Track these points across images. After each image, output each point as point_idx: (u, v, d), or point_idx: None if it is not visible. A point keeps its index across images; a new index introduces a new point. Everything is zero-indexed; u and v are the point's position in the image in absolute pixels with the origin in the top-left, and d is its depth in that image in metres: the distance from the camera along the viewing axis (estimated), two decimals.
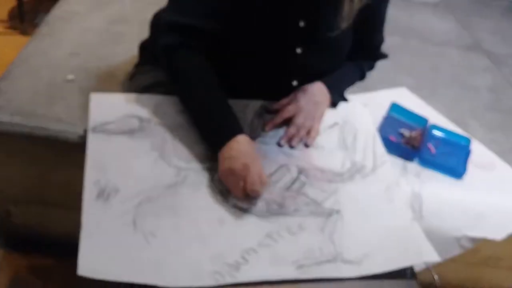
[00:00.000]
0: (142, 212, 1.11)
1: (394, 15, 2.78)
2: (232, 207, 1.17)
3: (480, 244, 1.36)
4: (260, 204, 1.19)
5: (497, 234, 1.41)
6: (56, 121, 1.47)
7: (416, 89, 1.84)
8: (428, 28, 2.68)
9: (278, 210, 1.20)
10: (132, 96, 1.33)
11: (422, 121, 1.59)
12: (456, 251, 1.36)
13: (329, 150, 1.37)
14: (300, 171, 1.29)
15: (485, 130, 1.85)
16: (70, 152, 1.46)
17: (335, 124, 1.44)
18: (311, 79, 1.41)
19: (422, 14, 2.84)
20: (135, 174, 1.18)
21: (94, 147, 1.20)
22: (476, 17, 2.96)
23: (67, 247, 1.62)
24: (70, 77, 1.63)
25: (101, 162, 1.17)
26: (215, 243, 1.10)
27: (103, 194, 1.11)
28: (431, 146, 1.50)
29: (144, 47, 1.54)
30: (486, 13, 3.07)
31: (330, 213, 1.22)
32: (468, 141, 1.57)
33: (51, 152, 1.48)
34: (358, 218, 1.24)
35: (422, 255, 1.20)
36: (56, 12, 1.99)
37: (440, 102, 1.91)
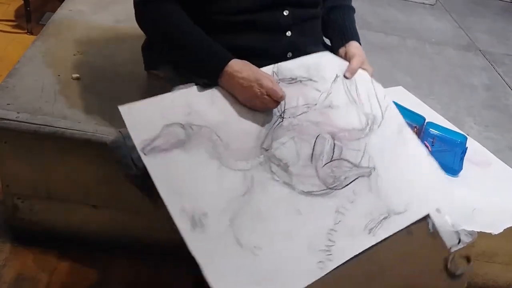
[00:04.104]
0: (238, 228, 1.14)
1: (392, 16, 2.83)
2: (299, 194, 1.21)
3: (475, 239, 1.39)
4: (318, 183, 1.24)
5: (494, 228, 1.44)
6: (61, 119, 1.50)
7: (413, 88, 1.87)
8: (425, 28, 2.70)
9: (334, 183, 1.25)
10: (159, 99, 1.23)
11: (419, 119, 1.60)
12: (456, 245, 1.39)
13: (344, 108, 1.38)
14: (333, 136, 1.32)
15: (481, 128, 1.88)
16: (75, 149, 1.50)
17: (337, 77, 1.42)
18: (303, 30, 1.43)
19: (419, 14, 2.86)
20: (210, 190, 1.17)
21: (157, 172, 1.13)
22: (472, 17, 2.99)
23: (73, 241, 1.67)
24: (76, 75, 1.66)
25: (172, 186, 1.14)
26: (304, 235, 1.16)
27: (195, 223, 1.11)
28: (427, 143, 1.52)
29: (145, 47, 1.55)
30: (482, 13, 3.10)
31: (369, 172, 1.29)
32: (464, 138, 1.58)
33: (57, 148, 1.51)
34: (389, 169, 1.31)
35: (447, 190, 1.34)
36: (62, 11, 2.01)
37: (437, 100, 1.94)
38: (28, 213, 1.64)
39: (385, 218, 1.23)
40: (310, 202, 1.21)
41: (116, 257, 1.68)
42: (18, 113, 1.49)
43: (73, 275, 1.61)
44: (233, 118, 1.26)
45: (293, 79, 1.35)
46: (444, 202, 1.32)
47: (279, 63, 1.35)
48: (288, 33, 1.38)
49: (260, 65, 1.30)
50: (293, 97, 1.32)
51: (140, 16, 1.33)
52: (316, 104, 1.35)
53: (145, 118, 1.17)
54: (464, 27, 2.81)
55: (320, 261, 1.13)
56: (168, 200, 1.10)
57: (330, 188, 1.24)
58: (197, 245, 1.08)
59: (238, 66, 1.25)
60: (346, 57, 1.45)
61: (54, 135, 1.47)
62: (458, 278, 1.27)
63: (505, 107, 2.12)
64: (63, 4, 2.07)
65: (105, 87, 1.64)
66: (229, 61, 1.25)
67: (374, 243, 1.19)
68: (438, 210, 1.30)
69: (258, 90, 1.23)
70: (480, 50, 2.57)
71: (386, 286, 1.23)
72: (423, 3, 3.00)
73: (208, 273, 1.05)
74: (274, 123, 1.28)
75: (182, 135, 1.18)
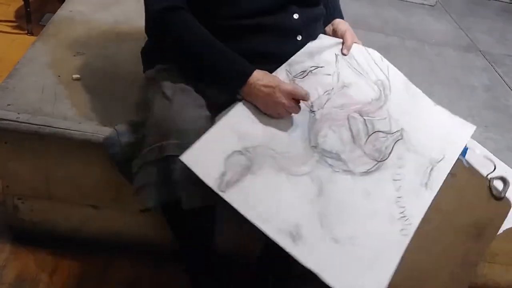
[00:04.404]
0: (329, 227, 1.21)
1: (392, 16, 2.83)
2: (360, 176, 1.28)
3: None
4: (369, 161, 1.31)
5: None
6: (62, 119, 1.50)
7: None
8: (425, 29, 2.70)
9: (380, 155, 1.33)
10: (209, 136, 1.21)
11: None
12: (492, 172, 1.50)
13: (355, 83, 1.42)
14: (360, 113, 1.37)
15: (481, 129, 1.88)
16: (75, 149, 1.50)
17: (337, 56, 1.45)
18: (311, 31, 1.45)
19: (419, 15, 2.87)
20: (290, 201, 1.21)
21: (240, 204, 1.16)
22: (472, 17, 2.99)
23: (73, 242, 1.67)
24: (76, 76, 1.66)
25: (259, 212, 1.17)
26: (381, 211, 1.27)
27: (294, 237, 1.17)
28: None
29: (145, 52, 1.55)
30: (482, 14, 3.10)
31: (401, 134, 1.37)
32: None
33: (57, 149, 1.51)
34: (414, 125, 1.41)
35: (467, 128, 1.49)
36: (62, 12, 2.01)
37: (437, 101, 1.93)
38: (28, 213, 1.64)
39: (431, 169, 1.36)
40: (371, 180, 1.29)
41: (116, 258, 1.67)
42: (18, 113, 1.48)
43: (73, 275, 1.61)
44: (276, 128, 1.28)
45: (303, 71, 1.37)
46: (468, 138, 1.48)
47: (288, 62, 1.36)
48: (299, 37, 1.39)
49: (270, 69, 1.31)
50: (312, 89, 1.33)
51: (159, 25, 1.30)
52: (333, 89, 1.38)
53: (207, 159, 1.18)
54: (464, 27, 2.82)
55: (402, 229, 1.26)
56: (263, 226, 1.15)
57: (379, 161, 1.32)
58: (305, 256, 1.15)
59: (259, 75, 1.26)
60: (334, 35, 1.50)
61: (54, 136, 1.47)
62: (503, 200, 1.40)
63: (505, 107, 2.12)
64: (63, 5, 2.08)
65: (105, 87, 1.64)
66: (252, 72, 1.26)
67: (434, 195, 1.33)
68: (467, 146, 1.44)
69: (280, 95, 1.24)
70: (480, 51, 2.58)
71: (452, 229, 1.36)
72: (423, 4, 3.01)
73: (327, 279, 1.14)
74: (309, 120, 1.31)
75: (244, 160, 1.20)
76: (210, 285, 1.50)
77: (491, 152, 1.66)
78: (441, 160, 1.39)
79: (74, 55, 1.76)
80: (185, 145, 1.18)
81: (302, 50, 1.40)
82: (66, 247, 1.66)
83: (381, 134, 1.36)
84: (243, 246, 1.62)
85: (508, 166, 1.65)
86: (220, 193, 1.15)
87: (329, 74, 1.39)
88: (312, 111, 1.32)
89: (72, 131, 1.47)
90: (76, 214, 1.65)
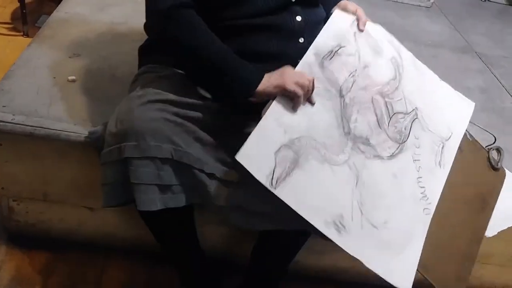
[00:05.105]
0: (367, 214, 1.24)
1: (388, 18, 2.83)
2: (387, 160, 1.31)
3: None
4: (392, 144, 1.33)
5: (489, 231, 1.45)
6: (57, 121, 1.49)
7: None
8: (421, 31, 2.71)
9: (401, 136, 1.35)
10: (257, 132, 1.20)
11: None
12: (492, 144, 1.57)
13: (374, 62, 1.40)
14: (381, 94, 1.37)
15: (477, 130, 1.88)
16: (71, 151, 1.50)
17: (355, 34, 1.42)
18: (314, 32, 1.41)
19: (415, 17, 2.87)
20: (334, 192, 1.23)
21: (291, 199, 1.18)
22: (468, 19, 3.00)
23: (69, 243, 1.67)
24: (72, 77, 1.66)
25: (307, 205, 1.19)
26: (407, 193, 1.31)
27: (339, 228, 1.20)
28: None
29: (142, 50, 1.55)
30: (478, 16, 3.10)
31: (415, 114, 1.39)
32: None
33: (53, 150, 1.50)
34: (425, 103, 1.43)
35: (469, 104, 1.54)
36: (58, 14, 2.01)
37: None
38: (24, 215, 1.64)
39: (442, 147, 1.39)
40: (397, 163, 1.32)
41: (112, 259, 1.68)
42: (13, 115, 1.48)
43: (69, 277, 1.61)
44: (313, 118, 1.27)
45: (330, 52, 1.34)
46: (471, 113, 1.52)
47: (313, 45, 1.33)
48: (301, 40, 1.38)
49: (271, 69, 1.28)
50: (339, 72, 1.33)
51: (164, 23, 1.26)
52: (356, 70, 1.37)
53: (258, 156, 1.19)
54: (460, 29, 2.82)
55: (425, 208, 1.31)
56: (313, 221, 1.18)
57: (401, 143, 1.34)
58: (351, 246, 1.19)
59: (265, 80, 1.24)
60: None
61: (49, 137, 1.47)
62: (499, 169, 1.46)
63: (501, 109, 2.12)
64: (59, 6, 2.07)
65: (101, 89, 1.64)
66: (261, 79, 1.24)
67: (447, 173, 1.38)
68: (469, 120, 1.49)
69: (292, 88, 1.22)
70: (476, 53, 2.58)
71: (462, 202, 1.41)
72: (419, 6, 3.01)
73: (371, 266, 1.20)
74: (341, 105, 1.31)
75: (291, 154, 1.21)
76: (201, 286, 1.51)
77: None
78: (450, 137, 1.43)
79: (70, 57, 1.76)
80: (142, 147, 1.18)
81: (321, 31, 1.36)
82: (62, 249, 1.66)
83: (400, 116, 1.37)
84: (233, 248, 1.62)
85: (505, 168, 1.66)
86: (273, 190, 1.16)
87: (352, 54, 1.37)
88: (341, 96, 1.31)
89: (67, 132, 1.47)
90: (71, 216, 1.65)
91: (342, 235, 1.20)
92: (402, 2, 2.91)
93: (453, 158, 1.41)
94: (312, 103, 1.27)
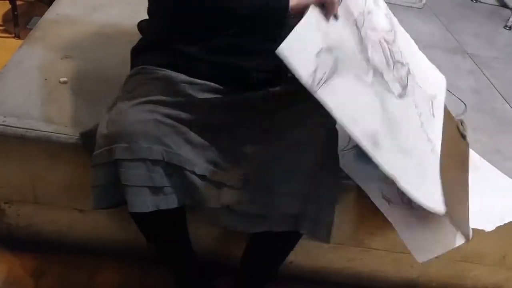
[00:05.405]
0: (399, 141, 1.26)
1: None
2: (398, 98, 1.31)
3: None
4: (398, 86, 1.33)
5: (486, 226, 1.46)
6: (49, 123, 1.49)
7: None
8: (413, 32, 2.68)
9: (403, 83, 1.36)
10: (298, 31, 1.11)
11: None
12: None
13: (376, 11, 1.38)
14: (386, 40, 1.37)
15: (469, 131, 1.89)
16: (62, 152, 1.49)
17: None
18: None
19: (407, 18, 2.87)
20: (368, 106, 1.23)
21: (332, 103, 1.12)
22: (460, 20, 3.01)
23: (60, 246, 1.66)
24: (63, 79, 1.65)
25: (348, 114, 1.15)
26: (418, 131, 1.35)
27: (374, 142, 1.18)
28: None
29: (135, 51, 1.54)
30: (470, 16, 3.11)
31: (408, 68, 1.40)
32: None
33: (44, 152, 1.50)
34: (413, 61, 1.45)
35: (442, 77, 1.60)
36: (49, 15, 2.01)
37: None
38: (14, 217, 1.63)
39: (432, 104, 1.44)
40: (404, 104, 1.33)
41: (104, 262, 1.67)
42: (5, 117, 1.48)
43: (60, 280, 1.60)
44: (343, 34, 1.22)
45: None
46: (445, 82, 1.58)
47: None
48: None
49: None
50: (354, 6, 1.27)
51: None
52: (364, 11, 1.33)
53: (300, 52, 1.10)
54: (452, 30, 2.83)
55: (432, 149, 1.35)
56: (352, 128, 1.14)
57: (404, 88, 1.35)
58: (385, 161, 1.18)
59: None
60: None
61: (41, 139, 1.47)
62: (466, 138, 1.50)
63: (493, 110, 2.13)
64: (50, 8, 2.07)
65: (92, 91, 1.63)
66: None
67: (441, 122, 1.44)
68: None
69: None
70: (467, 53, 2.59)
71: (447, 156, 1.40)
72: (411, 7, 3.02)
73: (405, 186, 1.19)
74: (358, 35, 1.26)
75: (331, 59, 1.15)
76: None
77: (479, 155, 1.68)
78: (436, 96, 1.48)
79: (62, 58, 1.76)
80: (133, 149, 1.17)
81: None
82: (53, 251, 1.66)
83: (399, 65, 1.38)
84: (224, 249, 1.62)
85: (497, 168, 1.67)
86: (314, 90, 1.09)
87: None
88: (357, 27, 1.27)
89: (59, 134, 1.46)
90: (62, 218, 1.64)
91: (377, 149, 1.16)
92: (393, 3, 2.91)
93: (442, 115, 1.46)
94: (336, 18, 1.20)
